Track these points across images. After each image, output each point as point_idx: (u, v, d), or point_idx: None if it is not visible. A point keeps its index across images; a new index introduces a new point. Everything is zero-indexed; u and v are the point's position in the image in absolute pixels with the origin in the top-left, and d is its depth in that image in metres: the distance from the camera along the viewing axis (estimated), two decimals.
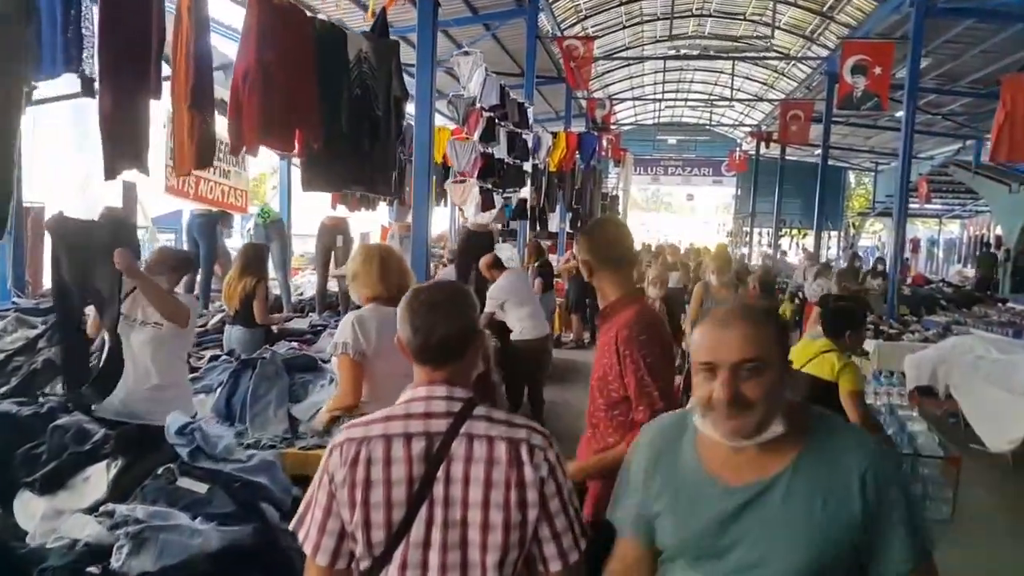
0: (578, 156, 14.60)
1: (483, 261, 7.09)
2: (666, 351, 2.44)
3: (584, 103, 20.13)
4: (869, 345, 9.45)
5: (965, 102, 17.03)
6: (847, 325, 3.96)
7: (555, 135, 13.74)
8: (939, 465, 3.99)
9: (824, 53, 17.45)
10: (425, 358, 1.68)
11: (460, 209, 11.89)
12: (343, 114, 4.64)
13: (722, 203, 43.77)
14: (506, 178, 10.79)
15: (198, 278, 7.67)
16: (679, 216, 55.88)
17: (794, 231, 29.21)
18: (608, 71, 23.70)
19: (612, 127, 26.72)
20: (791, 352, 1.54)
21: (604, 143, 23.51)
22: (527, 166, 12.12)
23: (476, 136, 9.30)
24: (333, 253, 8.13)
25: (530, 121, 12.20)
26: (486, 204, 9.83)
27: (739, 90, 24.64)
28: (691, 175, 33.44)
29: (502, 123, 10.61)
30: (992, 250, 19.80)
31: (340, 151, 4.76)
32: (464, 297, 1.76)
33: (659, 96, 26.98)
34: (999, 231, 19.16)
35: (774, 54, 20.07)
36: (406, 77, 5.71)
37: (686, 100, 27.65)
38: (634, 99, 27.11)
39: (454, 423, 1.60)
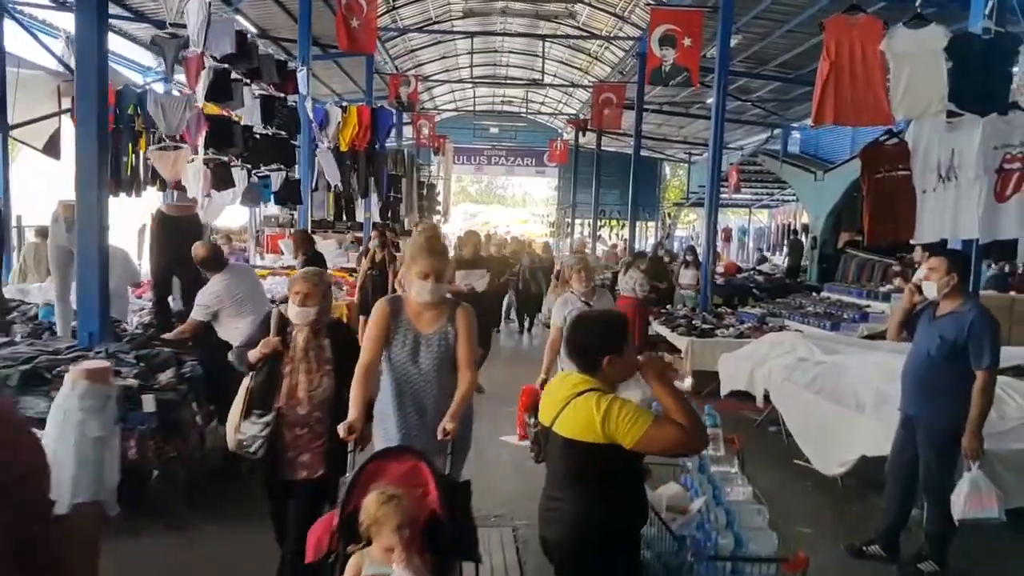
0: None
1: (199, 253, 5.03)
2: None
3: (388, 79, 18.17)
4: (682, 343, 8.41)
5: (773, 87, 17.04)
6: (603, 347, 2.39)
7: (345, 109, 11.66)
8: (774, 569, 2.48)
9: (638, 35, 16.71)
10: None
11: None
12: None
13: (552, 195, 43.55)
14: (259, 152, 8.64)
15: None
16: (512, 208, 55.69)
17: (613, 222, 28.92)
18: (418, 47, 21.87)
19: (431, 111, 24.95)
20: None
21: (424, 131, 21.71)
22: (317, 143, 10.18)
23: (200, 91, 7.08)
24: None
25: (302, 86, 10.13)
26: (221, 182, 7.59)
27: (555, 75, 23.73)
28: (514, 165, 32.50)
29: (254, 84, 8.52)
30: (799, 237, 20.12)
31: None
32: None
33: (472, 80, 25.55)
34: (806, 219, 19.47)
35: (584, 34, 19.17)
36: None
37: (504, 82, 26.38)
38: (450, 82, 25.48)
39: None
